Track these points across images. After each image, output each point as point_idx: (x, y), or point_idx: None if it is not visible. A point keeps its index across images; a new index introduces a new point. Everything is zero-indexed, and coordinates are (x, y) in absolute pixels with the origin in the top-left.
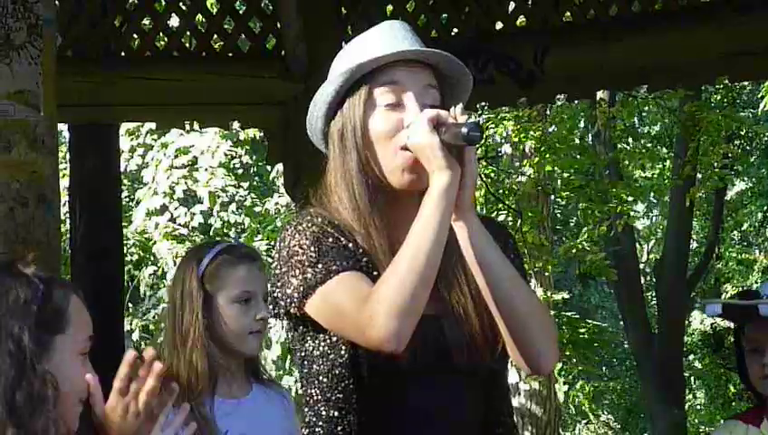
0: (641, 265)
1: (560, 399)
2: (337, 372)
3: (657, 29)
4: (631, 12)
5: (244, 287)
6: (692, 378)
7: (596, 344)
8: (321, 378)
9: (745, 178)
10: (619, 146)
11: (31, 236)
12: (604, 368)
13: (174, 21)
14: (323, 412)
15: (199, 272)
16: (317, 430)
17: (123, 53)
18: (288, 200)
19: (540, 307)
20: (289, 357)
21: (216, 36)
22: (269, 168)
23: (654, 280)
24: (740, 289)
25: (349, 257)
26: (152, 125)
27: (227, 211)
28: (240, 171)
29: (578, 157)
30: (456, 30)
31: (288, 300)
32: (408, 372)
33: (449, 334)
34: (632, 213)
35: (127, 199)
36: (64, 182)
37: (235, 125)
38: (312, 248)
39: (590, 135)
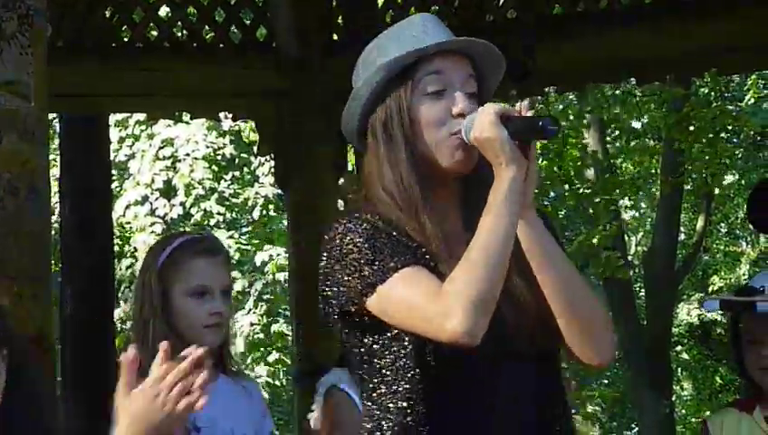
0: (629, 257)
1: None
2: (401, 363)
3: (647, 22)
4: (621, 5)
5: (199, 281)
6: (679, 369)
7: None
8: (384, 371)
9: (733, 171)
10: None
11: (21, 227)
12: None
13: (165, 11)
14: (390, 405)
15: (158, 265)
16: (384, 423)
17: (114, 44)
18: (267, 191)
19: (597, 302)
20: (252, 353)
21: (207, 27)
22: (252, 159)
23: (642, 272)
24: (727, 281)
25: (405, 252)
26: (140, 116)
27: (208, 202)
28: (223, 163)
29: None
30: (446, 23)
31: (344, 299)
32: (473, 359)
33: (510, 319)
34: (621, 206)
35: (117, 190)
36: (55, 172)
37: (226, 116)
38: (367, 246)
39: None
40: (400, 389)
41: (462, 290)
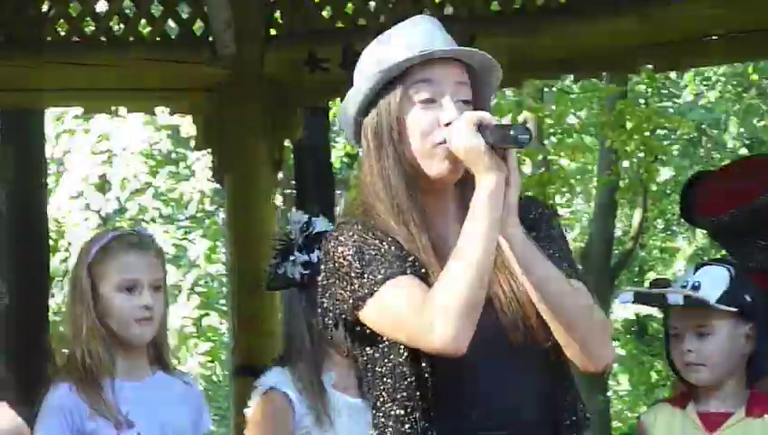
0: None
1: None
2: (398, 371)
3: (583, 18)
4: (558, 1)
5: (127, 275)
6: (615, 364)
7: None
8: (385, 379)
9: (669, 167)
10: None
11: None
12: None
13: (102, 6)
14: (392, 412)
15: (89, 259)
16: (387, 431)
17: (50, 39)
18: (204, 185)
19: (588, 309)
20: (185, 347)
21: (143, 21)
22: (189, 153)
23: (579, 268)
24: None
25: (393, 262)
26: (77, 110)
27: (143, 197)
28: (159, 158)
29: None
30: (382, 17)
31: (338, 311)
32: (467, 360)
33: (502, 316)
34: (558, 201)
35: (53, 185)
36: None
37: (163, 110)
38: (356, 258)
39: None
40: (398, 396)
41: (443, 301)
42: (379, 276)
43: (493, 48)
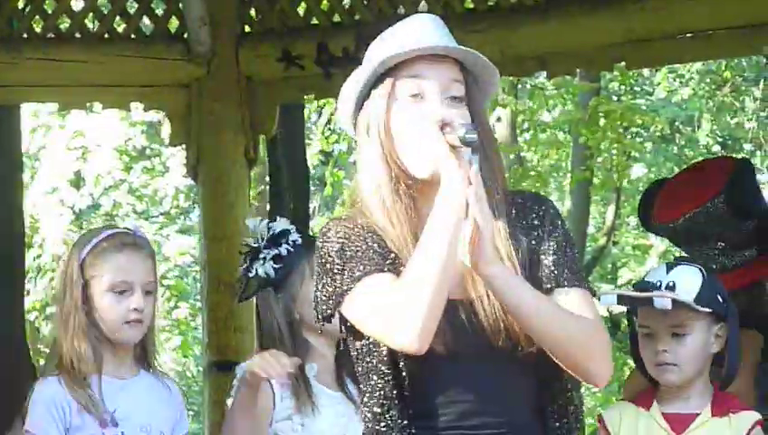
0: None
1: None
2: (379, 369)
3: (556, 16)
4: None
5: (120, 277)
6: None
7: None
8: (370, 375)
9: (642, 164)
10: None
11: None
12: None
13: (77, 2)
14: (374, 410)
15: (80, 258)
16: (368, 425)
17: (26, 35)
18: (178, 182)
19: (585, 331)
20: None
21: (118, 18)
22: (163, 149)
23: None
24: (636, 274)
25: (373, 259)
26: (53, 106)
27: (118, 192)
28: (133, 154)
29: None
30: (357, 15)
31: (324, 307)
32: (446, 360)
33: (485, 319)
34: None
35: (28, 181)
36: None
37: (138, 106)
38: (338, 255)
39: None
40: (377, 393)
41: (403, 301)
42: (357, 274)
43: (467, 46)
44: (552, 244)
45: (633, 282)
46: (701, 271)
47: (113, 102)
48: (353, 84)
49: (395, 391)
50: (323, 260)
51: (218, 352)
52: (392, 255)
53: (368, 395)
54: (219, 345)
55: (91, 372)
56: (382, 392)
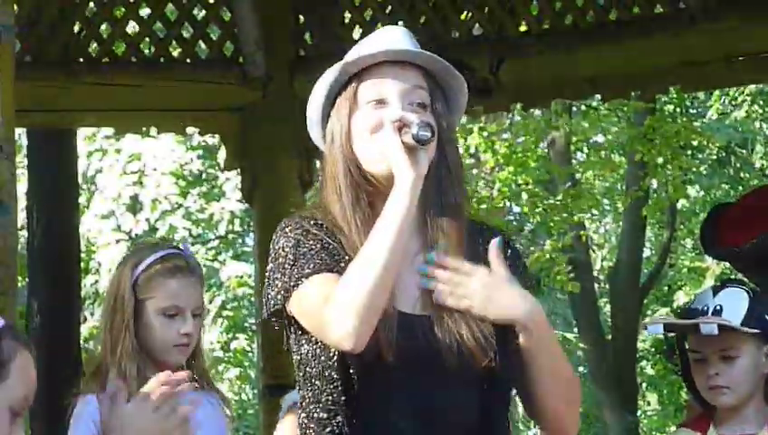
0: (595, 273)
1: (518, 407)
2: (327, 374)
3: (611, 39)
4: (586, 22)
5: (173, 301)
6: (644, 384)
7: None
8: (314, 380)
9: (697, 187)
10: (576, 156)
11: None
12: None
13: (132, 27)
14: (314, 414)
15: (133, 277)
16: (308, 432)
17: (82, 59)
18: (234, 206)
19: (575, 394)
20: (214, 370)
21: (174, 42)
22: (219, 174)
23: (608, 287)
24: (691, 297)
25: (325, 259)
26: (108, 130)
27: (174, 217)
28: (190, 178)
29: (535, 168)
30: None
31: (272, 302)
32: (396, 372)
33: (439, 334)
34: (587, 223)
35: (84, 204)
36: (22, 187)
37: (193, 130)
38: (291, 251)
39: (543, 143)
40: (323, 399)
41: (342, 295)
42: (306, 270)
43: (521, 69)
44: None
45: (686, 304)
46: (747, 291)
47: (168, 127)
48: (321, 89)
49: (343, 398)
50: (277, 255)
51: (272, 375)
52: (346, 258)
53: (309, 400)
54: (273, 369)
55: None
56: (330, 398)
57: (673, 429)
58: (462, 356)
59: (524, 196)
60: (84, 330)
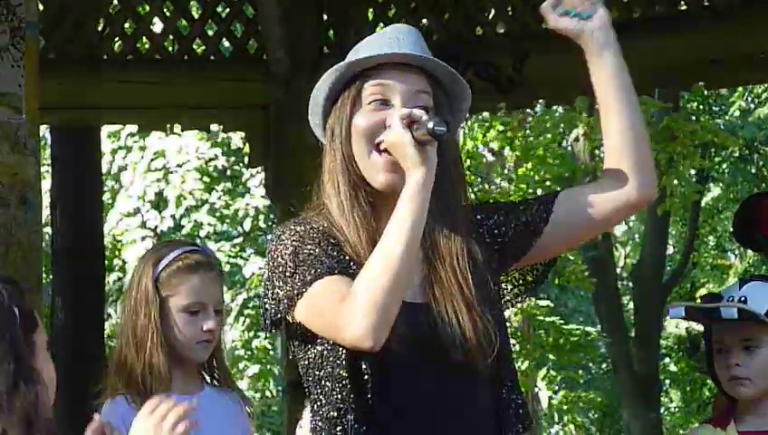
0: (618, 270)
1: (541, 403)
2: (336, 373)
3: (634, 36)
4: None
5: (195, 298)
6: (667, 381)
7: (580, 351)
8: (323, 382)
9: (721, 184)
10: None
11: (12, 238)
12: (580, 371)
13: (156, 24)
14: (325, 415)
15: (155, 274)
16: (322, 433)
17: (106, 56)
18: (258, 202)
19: (648, 147)
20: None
21: (198, 40)
22: (244, 170)
23: (631, 284)
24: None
25: (325, 263)
26: (132, 127)
27: (198, 213)
28: (215, 174)
29: (556, 164)
30: (435, 36)
31: (274, 311)
32: (404, 363)
33: (443, 333)
34: None
35: (108, 202)
36: (46, 184)
37: (217, 128)
38: (291, 258)
39: (566, 141)
40: (333, 398)
41: (360, 294)
42: (308, 277)
43: (545, 66)
44: (512, 213)
45: (702, 296)
46: None
47: (192, 124)
48: (323, 88)
49: (352, 395)
50: (275, 263)
51: (297, 371)
52: (347, 259)
53: (320, 403)
54: (297, 365)
55: (163, 391)
56: (339, 396)
57: (695, 425)
58: (466, 354)
59: (540, 192)
60: (108, 327)
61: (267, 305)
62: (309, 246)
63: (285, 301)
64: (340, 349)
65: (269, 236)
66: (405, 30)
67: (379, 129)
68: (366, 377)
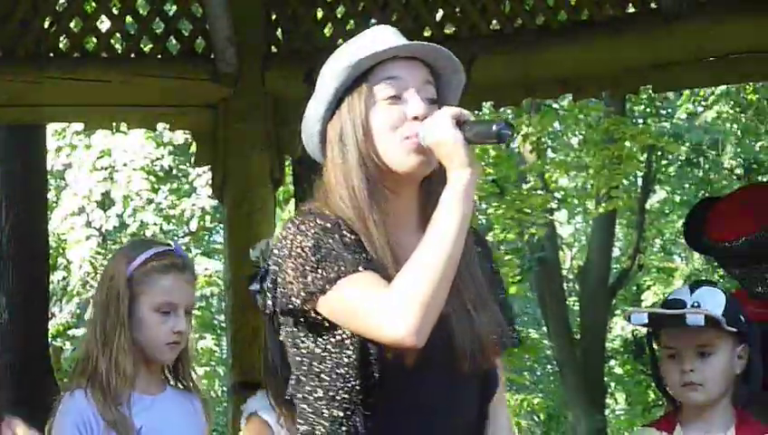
0: (564, 272)
1: None
2: (342, 371)
3: (583, 39)
4: (558, 21)
5: (167, 298)
6: (612, 384)
7: (526, 353)
8: (323, 376)
9: (667, 187)
10: (544, 155)
11: None
12: (525, 373)
13: (104, 22)
14: (325, 411)
15: (128, 273)
16: (318, 428)
17: (52, 54)
18: (205, 202)
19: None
20: None
21: (144, 38)
22: (191, 170)
23: (577, 286)
24: (661, 296)
25: (348, 258)
26: (78, 126)
27: (144, 213)
28: (161, 174)
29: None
30: None
31: (285, 299)
32: (416, 371)
33: (457, 342)
34: (554, 220)
35: (53, 201)
36: None
37: (164, 126)
38: (312, 252)
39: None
40: (338, 397)
41: (407, 290)
42: (332, 274)
43: (493, 67)
44: (495, 283)
45: (656, 303)
46: (723, 292)
47: (139, 122)
48: (329, 92)
49: (359, 397)
50: (293, 253)
51: (242, 372)
52: (366, 255)
53: (320, 394)
54: (243, 366)
55: (126, 389)
56: (347, 397)
57: (637, 428)
58: (473, 364)
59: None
60: (51, 327)
61: (279, 293)
62: (332, 239)
63: (303, 294)
64: (350, 347)
65: (283, 224)
66: (388, 28)
67: (401, 121)
68: (373, 380)
